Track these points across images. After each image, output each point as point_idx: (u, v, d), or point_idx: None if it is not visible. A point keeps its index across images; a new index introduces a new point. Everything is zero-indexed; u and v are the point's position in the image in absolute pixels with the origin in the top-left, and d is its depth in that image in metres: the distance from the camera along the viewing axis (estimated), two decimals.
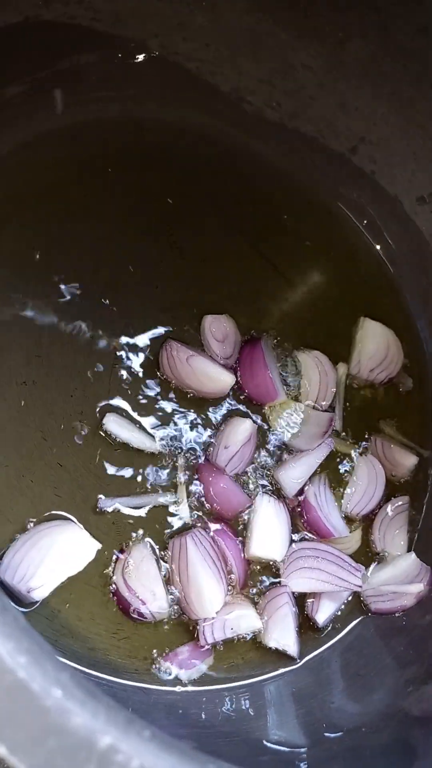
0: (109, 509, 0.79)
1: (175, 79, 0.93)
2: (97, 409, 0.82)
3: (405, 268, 1.00)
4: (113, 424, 0.80)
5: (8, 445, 0.77)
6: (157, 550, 0.79)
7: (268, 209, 0.96)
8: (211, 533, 0.80)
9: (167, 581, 0.78)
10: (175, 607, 0.78)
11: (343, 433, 0.90)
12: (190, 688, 0.76)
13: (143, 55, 0.91)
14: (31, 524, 0.76)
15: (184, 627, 0.78)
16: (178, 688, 0.76)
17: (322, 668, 0.81)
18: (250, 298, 0.92)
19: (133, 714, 0.40)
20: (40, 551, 0.72)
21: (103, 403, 0.82)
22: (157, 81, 0.93)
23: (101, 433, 0.80)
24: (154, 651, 0.77)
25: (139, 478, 0.81)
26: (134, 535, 0.79)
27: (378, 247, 1.00)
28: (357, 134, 0.97)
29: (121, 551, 0.78)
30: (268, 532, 0.81)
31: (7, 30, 0.80)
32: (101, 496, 0.79)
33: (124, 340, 0.85)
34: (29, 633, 0.39)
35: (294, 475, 0.84)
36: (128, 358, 0.84)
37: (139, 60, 0.91)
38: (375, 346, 0.92)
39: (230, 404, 0.86)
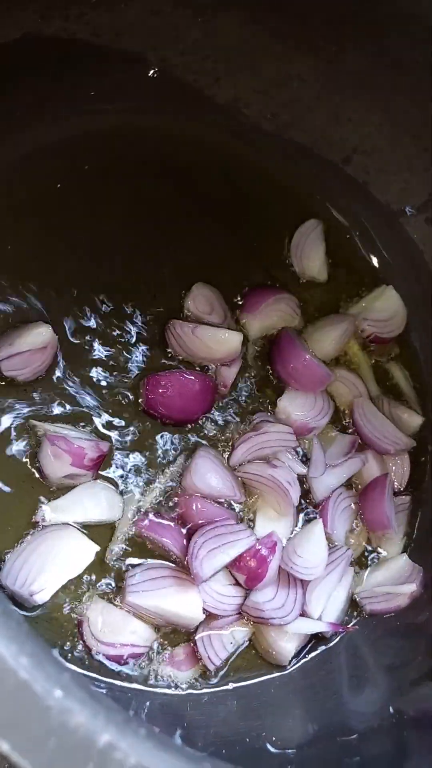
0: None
1: (173, 91, 0.95)
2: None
3: (398, 276, 1.01)
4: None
5: None
6: (108, 597, 0.78)
7: (263, 218, 0.98)
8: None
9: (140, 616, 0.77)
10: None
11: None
12: (187, 691, 0.78)
13: (141, 68, 0.93)
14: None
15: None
16: (175, 690, 0.77)
17: (317, 670, 0.82)
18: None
19: (130, 714, 0.41)
20: (40, 556, 0.74)
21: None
22: (155, 93, 0.95)
23: None
24: (152, 653, 0.78)
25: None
26: (83, 598, 0.77)
27: (371, 255, 1.02)
28: (351, 144, 0.99)
29: (79, 624, 0.76)
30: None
31: (7, 45, 0.81)
32: None
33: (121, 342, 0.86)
34: (31, 636, 0.40)
35: (328, 482, 0.86)
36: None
37: (137, 73, 0.93)
38: (384, 305, 0.96)
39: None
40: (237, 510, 0.84)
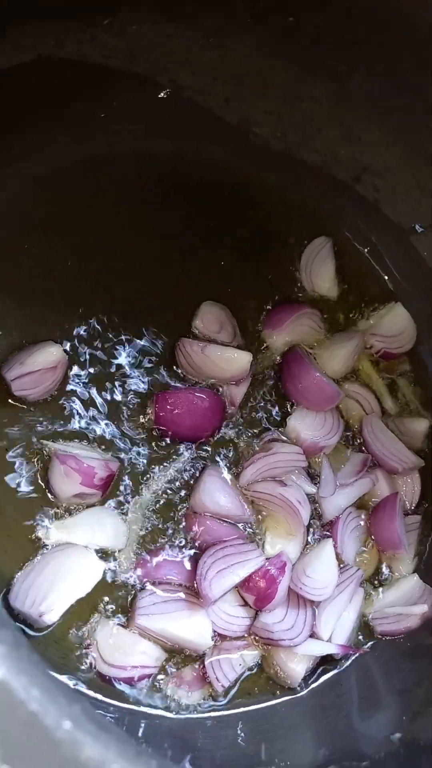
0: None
1: (185, 113, 0.96)
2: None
3: (408, 293, 1.01)
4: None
5: None
6: (117, 618, 0.77)
7: (274, 236, 0.98)
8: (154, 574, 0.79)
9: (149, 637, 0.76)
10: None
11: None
12: (196, 714, 0.77)
13: (153, 90, 0.94)
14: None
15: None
16: (184, 714, 0.77)
17: (327, 692, 0.82)
18: (254, 321, 0.94)
19: (141, 744, 0.41)
20: (49, 575, 0.73)
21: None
22: (167, 114, 0.95)
23: None
24: (161, 673, 0.78)
25: None
26: (91, 619, 0.77)
27: (382, 273, 1.02)
28: (361, 164, 0.99)
29: (88, 646, 0.76)
30: None
31: (21, 67, 0.82)
32: None
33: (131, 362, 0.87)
34: (41, 667, 0.40)
35: (338, 502, 0.86)
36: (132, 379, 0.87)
37: (149, 95, 0.94)
38: (393, 321, 0.96)
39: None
40: (246, 530, 0.84)
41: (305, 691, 0.81)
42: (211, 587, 0.76)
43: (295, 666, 0.79)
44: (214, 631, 0.78)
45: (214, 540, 0.81)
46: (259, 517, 0.85)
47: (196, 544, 0.81)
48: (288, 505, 0.82)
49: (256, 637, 0.80)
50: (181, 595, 0.78)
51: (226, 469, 0.86)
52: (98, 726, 0.40)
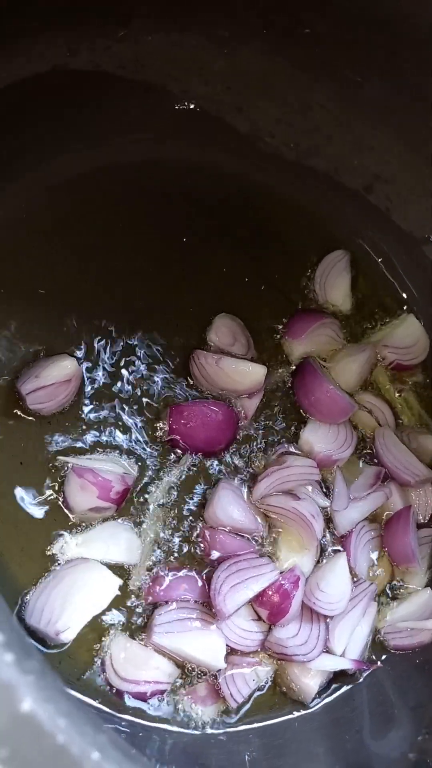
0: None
1: (196, 121, 0.96)
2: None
3: (420, 303, 1.01)
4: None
5: None
6: (131, 633, 0.77)
7: (284, 245, 0.98)
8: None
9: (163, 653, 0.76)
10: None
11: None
12: (209, 731, 0.77)
13: (165, 98, 0.94)
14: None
15: None
16: (198, 730, 0.76)
17: (340, 707, 0.81)
18: (267, 332, 0.94)
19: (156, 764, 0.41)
20: (62, 591, 0.73)
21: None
22: (178, 123, 0.95)
23: None
24: (175, 687, 0.77)
25: None
26: (106, 633, 0.77)
27: (394, 282, 1.02)
28: (372, 172, 0.99)
29: (102, 661, 0.75)
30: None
31: (36, 78, 0.82)
32: None
33: (142, 369, 0.87)
34: (67, 695, 0.40)
35: (351, 516, 0.86)
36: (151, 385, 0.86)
37: (161, 103, 0.94)
38: (406, 332, 0.96)
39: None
40: (259, 543, 0.83)
41: (318, 707, 0.81)
42: (225, 602, 0.75)
43: (308, 681, 0.79)
44: (228, 647, 0.77)
45: (228, 554, 0.80)
46: (272, 530, 0.84)
47: (211, 559, 0.81)
48: (301, 518, 0.82)
49: (269, 652, 0.80)
50: (198, 613, 0.77)
51: (240, 482, 0.85)
52: (124, 755, 0.40)
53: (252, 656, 0.80)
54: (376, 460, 0.91)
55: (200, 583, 0.80)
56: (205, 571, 0.81)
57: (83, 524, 0.79)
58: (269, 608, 0.78)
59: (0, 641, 0.38)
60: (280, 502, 0.83)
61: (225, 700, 0.77)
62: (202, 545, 0.81)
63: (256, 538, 0.83)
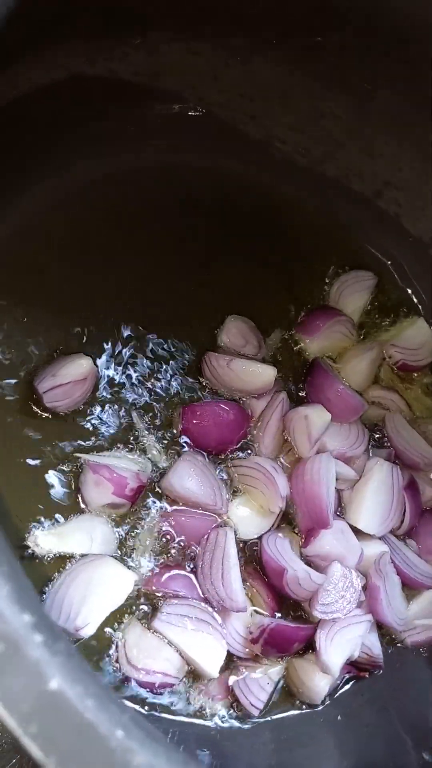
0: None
1: (209, 129, 0.98)
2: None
3: (430, 306, 1.02)
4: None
5: None
6: (146, 622, 0.78)
7: (296, 250, 1.00)
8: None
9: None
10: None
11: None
12: (223, 724, 0.78)
13: (179, 106, 0.96)
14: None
15: None
16: (212, 723, 0.78)
17: (349, 703, 0.82)
18: (278, 333, 0.95)
19: (186, 754, 0.42)
20: (78, 589, 0.74)
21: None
22: (193, 130, 0.97)
23: None
24: (184, 681, 0.78)
25: None
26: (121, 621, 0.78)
27: (404, 286, 1.03)
28: (382, 179, 1.01)
29: (116, 648, 0.77)
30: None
31: (54, 86, 0.84)
32: None
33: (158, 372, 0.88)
34: (94, 677, 0.41)
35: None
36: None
37: (175, 110, 0.96)
38: (414, 334, 0.98)
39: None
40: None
41: (329, 701, 0.82)
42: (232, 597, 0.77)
43: (318, 682, 0.79)
44: (234, 656, 0.78)
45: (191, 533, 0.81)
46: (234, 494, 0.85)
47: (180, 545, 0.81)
48: (263, 474, 0.83)
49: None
50: (208, 616, 0.78)
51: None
52: (146, 734, 0.41)
53: (254, 660, 0.80)
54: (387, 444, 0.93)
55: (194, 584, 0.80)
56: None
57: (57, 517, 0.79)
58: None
59: (30, 622, 0.40)
60: (245, 462, 0.85)
61: (244, 707, 0.78)
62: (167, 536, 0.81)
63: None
